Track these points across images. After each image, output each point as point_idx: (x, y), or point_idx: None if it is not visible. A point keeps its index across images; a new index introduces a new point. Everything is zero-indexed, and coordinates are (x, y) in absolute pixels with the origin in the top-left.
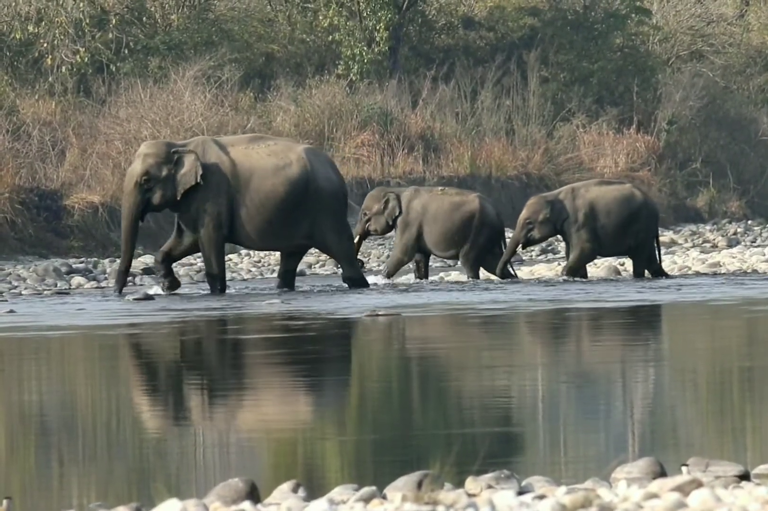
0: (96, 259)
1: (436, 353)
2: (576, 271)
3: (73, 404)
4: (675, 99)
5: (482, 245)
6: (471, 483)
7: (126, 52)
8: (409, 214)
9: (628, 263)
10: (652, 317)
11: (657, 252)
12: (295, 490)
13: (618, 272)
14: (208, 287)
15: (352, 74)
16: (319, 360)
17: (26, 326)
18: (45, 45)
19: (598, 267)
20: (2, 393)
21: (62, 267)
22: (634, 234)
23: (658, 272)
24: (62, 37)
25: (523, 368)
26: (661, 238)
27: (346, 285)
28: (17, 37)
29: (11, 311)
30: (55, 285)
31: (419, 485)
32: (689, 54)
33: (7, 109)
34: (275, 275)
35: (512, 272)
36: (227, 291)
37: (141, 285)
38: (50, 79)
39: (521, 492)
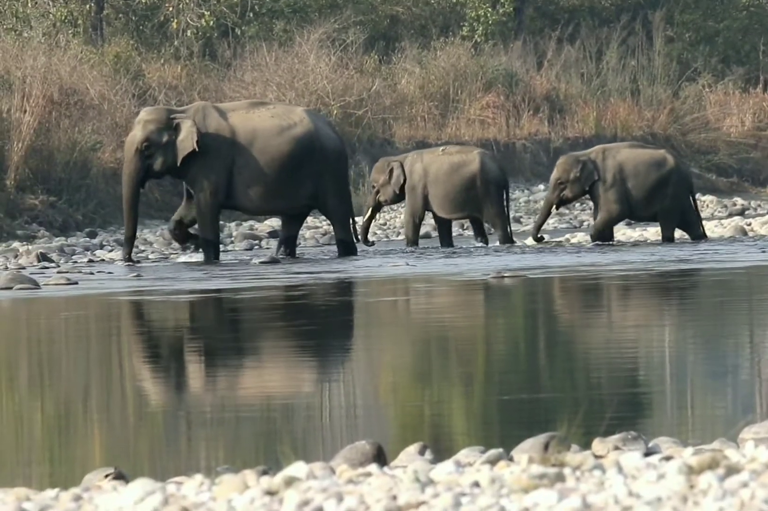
0: (222, 222)
1: (564, 314)
2: (603, 233)
3: (198, 368)
4: None
5: (497, 201)
6: (598, 445)
7: (251, 15)
8: (412, 178)
9: (754, 224)
10: None
11: (697, 217)
12: (421, 452)
13: (745, 232)
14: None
15: (476, 36)
16: (448, 322)
17: (153, 290)
18: (170, 9)
19: (724, 227)
20: (130, 355)
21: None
22: (662, 199)
23: (699, 237)
24: (187, 0)
25: (651, 328)
26: None
27: (337, 247)
28: (143, 1)
29: (138, 276)
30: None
31: (546, 447)
32: None
33: (133, 74)
34: (401, 237)
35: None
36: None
37: (267, 248)
38: (176, 42)
39: (648, 453)
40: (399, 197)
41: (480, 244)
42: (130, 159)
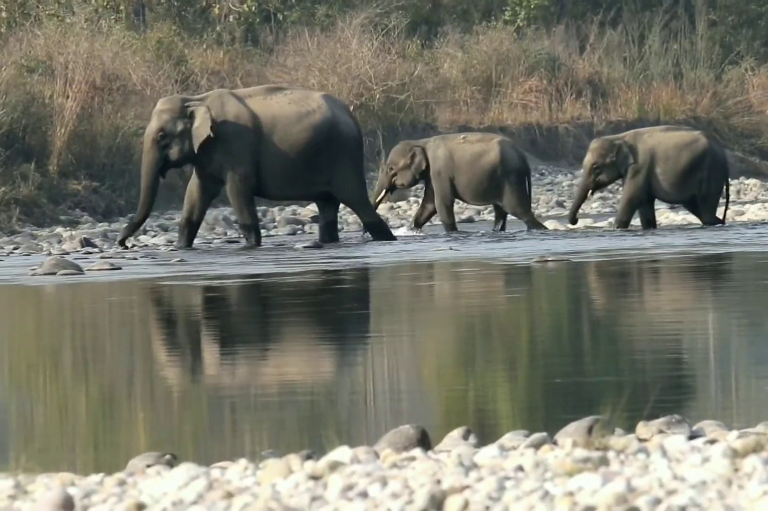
0: (265, 207)
1: (607, 297)
2: (626, 222)
3: (242, 352)
4: None
5: (518, 190)
6: (642, 428)
7: (293, 0)
8: (436, 164)
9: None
10: None
11: (726, 201)
12: (465, 437)
13: None
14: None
15: (519, 20)
16: (492, 306)
17: (196, 274)
18: None
19: None
20: (174, 340)
21: (232, 216)
22: (697, 183)
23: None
24: None
25: (694, 311)
26: None
27: (369, 232)
28: None
29: (181, 261)
30: (225, 234)
31: (590, 430)
32: None
33: (175, 59)
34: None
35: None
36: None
37: (311, 233)
38: (218, 28)
39: (692, 437)
40: (416, 181)
41: (498, 231)
42: (147, 150)
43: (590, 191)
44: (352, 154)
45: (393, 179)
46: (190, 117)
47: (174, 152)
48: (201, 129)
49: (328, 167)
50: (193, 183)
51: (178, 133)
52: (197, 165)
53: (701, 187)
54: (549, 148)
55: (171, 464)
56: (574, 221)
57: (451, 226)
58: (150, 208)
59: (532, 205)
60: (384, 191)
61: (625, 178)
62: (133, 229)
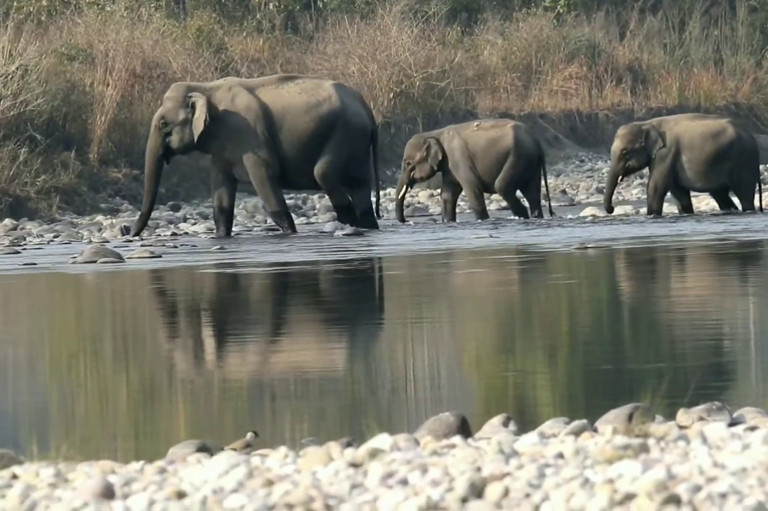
0: (305, 195)
1: (645, 284)
2: (658, 210)
3: (281, 339)
4: None
5: (518, 175)
6: (682, 415)
7: None
8: (454, 155)
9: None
10: None
11: (758, 188)
12: (505, 424)
13: None
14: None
15: (559, 7)
16: (531, 293)
17: (235, 262)
18: None
19: None
20: (211, 328)
21: None
22: (727, 172)
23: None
24: None
25: (734, 298)
26: None
27: (338, 215)
28: None
29: (221, 248)
30: (265, 222)
31: (630, 417)
32: None
33: (215, 47)
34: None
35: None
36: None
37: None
38: (258, 16)
39: (733, 424)
40: (434, 173)
41: (536, 217)
42: (150, 135)
43: (620, 178)
44: (356, 142)
45: (412, 174)
46: (192, 107)
47: (175, 140)
48: (199, 120)
49: (330, 155)
50: (212, 171)
51: (180, 122)
52: (207, 154)
53: (732, 177)
54: (589, 134)
55: (251, 444)
56: (610, 210)
57: (482, 212)
58: (155, 195)
59: (572, 191)
60: (405, 187)
61: (653, 163)
62: (144, 220)
